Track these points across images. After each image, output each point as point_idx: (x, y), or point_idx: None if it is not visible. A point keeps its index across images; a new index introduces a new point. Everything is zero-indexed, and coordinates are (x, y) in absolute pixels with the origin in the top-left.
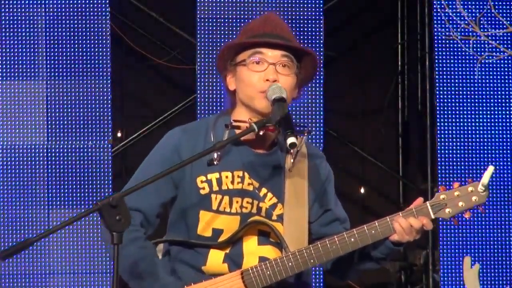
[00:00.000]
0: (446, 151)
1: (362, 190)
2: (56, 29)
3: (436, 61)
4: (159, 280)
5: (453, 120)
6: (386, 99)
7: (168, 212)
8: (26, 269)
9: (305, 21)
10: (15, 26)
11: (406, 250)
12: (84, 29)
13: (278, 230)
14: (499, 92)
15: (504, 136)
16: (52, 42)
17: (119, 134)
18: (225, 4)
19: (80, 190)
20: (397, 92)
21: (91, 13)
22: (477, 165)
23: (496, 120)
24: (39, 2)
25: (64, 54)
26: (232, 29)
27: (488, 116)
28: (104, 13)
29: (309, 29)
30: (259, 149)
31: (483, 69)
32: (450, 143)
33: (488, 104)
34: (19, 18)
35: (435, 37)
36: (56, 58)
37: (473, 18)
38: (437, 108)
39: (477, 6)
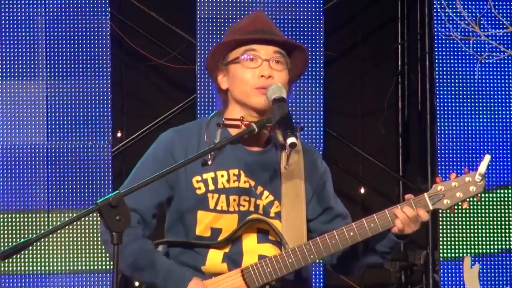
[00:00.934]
0: (446, 151)
1: (362, 190)
2: (56, 29)
3: (436, 61)
4: (162, 266)
5: (453, 120)
6: (386, 99)
7: (165, 216)
8: (26, 269)
9: (305, 21)
10: (15, 26)
11: (406, 250)
12: (84, 29)
13: (276, 227)
14: (499, 92)
15: (504, 135)
16: (52, 42)
17: (119, 134)
18: (225, 4)
19: (80, 190)
20: (397, 92)
21: (91, 13)
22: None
23: (496, 120)
24: (39, 2)
25: (64, 54)
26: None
27: (488, 116)
28: (104, 13)
29: (309, 29)
30: (253, 147)
31: (483, 69)
32: (450, 143)
33: (488, 104)
34: (19, 18)
35: (435, 37)
36: (56, 58)
37: (473, 18)
38: (437, 108)
39: (477, 6)
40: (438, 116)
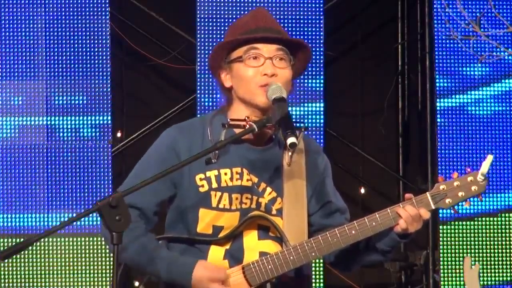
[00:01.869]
0: (446, 151)
1: (362, 190)
2: (56, 29)
3: (436, 61)
4: (165, 257)
5: (453, 120)
6: (386, 99)
7: (166, 213)
8: (26, 269)
9: (305, 21)
10: (15, 26)
11: (406, 250)
12: (84, 29)
13: (278, 224)
14: (499, 92)
15: (504, 135)
16: (52, 42)
17: (119, 134)
18: (225, 4)
19: (80, 190)
20: (397, 92)
21: (91, 13)
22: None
23: (496, 120)
24: (39, 2)
25: (64, 54)
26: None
27: (488, 116)
28: (104, 13)
29: (309, 29)
30: (256, 144)
31: (483, 69)
32: (450, 143)
33: (488, 104)
34: (19, 18)
35: (435, 37)
36: (56, 58)
37: (474, 18)
38: (437, 108)
39: (478, 6)
40: (438, 116)
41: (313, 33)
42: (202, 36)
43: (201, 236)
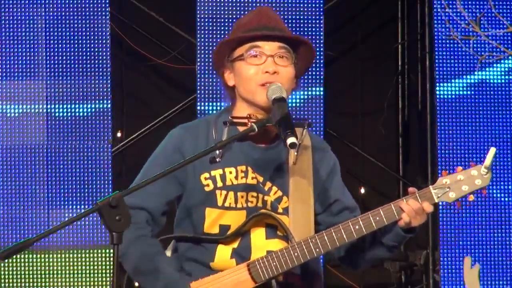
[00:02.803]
0: (446, 151)
1: (362, 190)
2: (56, 29)
3: (436, 61)
4: (164, 276)
5: (453, 120)
6: (386, 99)
7: (175, 212)
8: (26, 269)
9: (305, 21)
10: (15, 26)
11: (406, 250)
12: (84, 29)
13: (284, 223)
14: (499, 92)
15: (504, 135)
16: (52, 42)
17: (119, 134)
18: (225, 4)
19: (80, 190)
20: (397, 92)
21: (91, 13)
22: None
23: (496, 120)
24: (39, 2)
25: (64, 54)
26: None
27: (488, 116)
28: (104, 13)
29: (309, 29)
30: (261, 143)
31: (483, 69)
32: (450, 143)
33: (488, 104)
34: (19, 18)
35: (435, 37)
36: (56, 58)
37: (474, 18)
38: (437, 108)
39: (478, 6)
40: (438, 116)
41: (313, 33)
42: (202, 36)
43: (208, 235)
